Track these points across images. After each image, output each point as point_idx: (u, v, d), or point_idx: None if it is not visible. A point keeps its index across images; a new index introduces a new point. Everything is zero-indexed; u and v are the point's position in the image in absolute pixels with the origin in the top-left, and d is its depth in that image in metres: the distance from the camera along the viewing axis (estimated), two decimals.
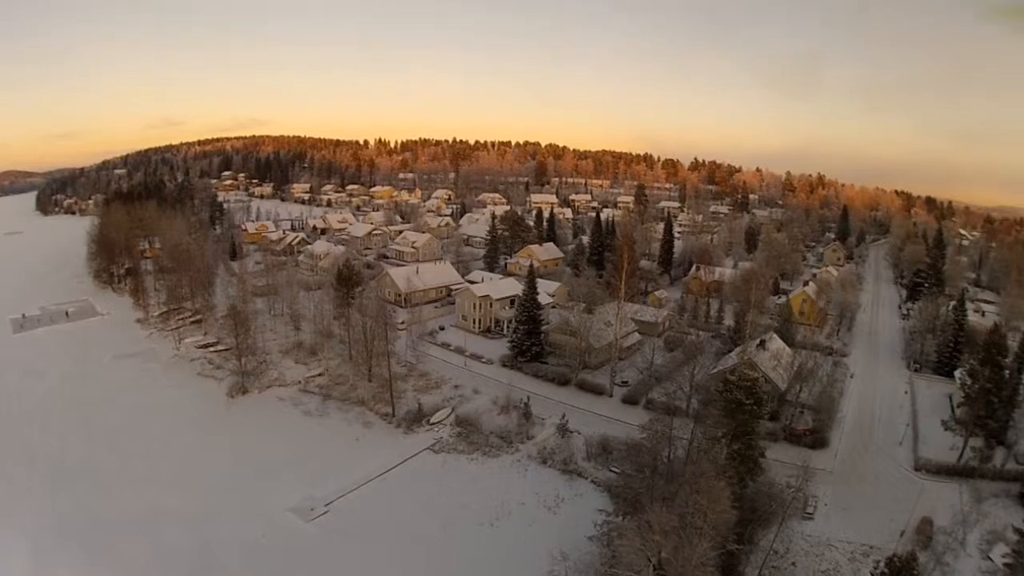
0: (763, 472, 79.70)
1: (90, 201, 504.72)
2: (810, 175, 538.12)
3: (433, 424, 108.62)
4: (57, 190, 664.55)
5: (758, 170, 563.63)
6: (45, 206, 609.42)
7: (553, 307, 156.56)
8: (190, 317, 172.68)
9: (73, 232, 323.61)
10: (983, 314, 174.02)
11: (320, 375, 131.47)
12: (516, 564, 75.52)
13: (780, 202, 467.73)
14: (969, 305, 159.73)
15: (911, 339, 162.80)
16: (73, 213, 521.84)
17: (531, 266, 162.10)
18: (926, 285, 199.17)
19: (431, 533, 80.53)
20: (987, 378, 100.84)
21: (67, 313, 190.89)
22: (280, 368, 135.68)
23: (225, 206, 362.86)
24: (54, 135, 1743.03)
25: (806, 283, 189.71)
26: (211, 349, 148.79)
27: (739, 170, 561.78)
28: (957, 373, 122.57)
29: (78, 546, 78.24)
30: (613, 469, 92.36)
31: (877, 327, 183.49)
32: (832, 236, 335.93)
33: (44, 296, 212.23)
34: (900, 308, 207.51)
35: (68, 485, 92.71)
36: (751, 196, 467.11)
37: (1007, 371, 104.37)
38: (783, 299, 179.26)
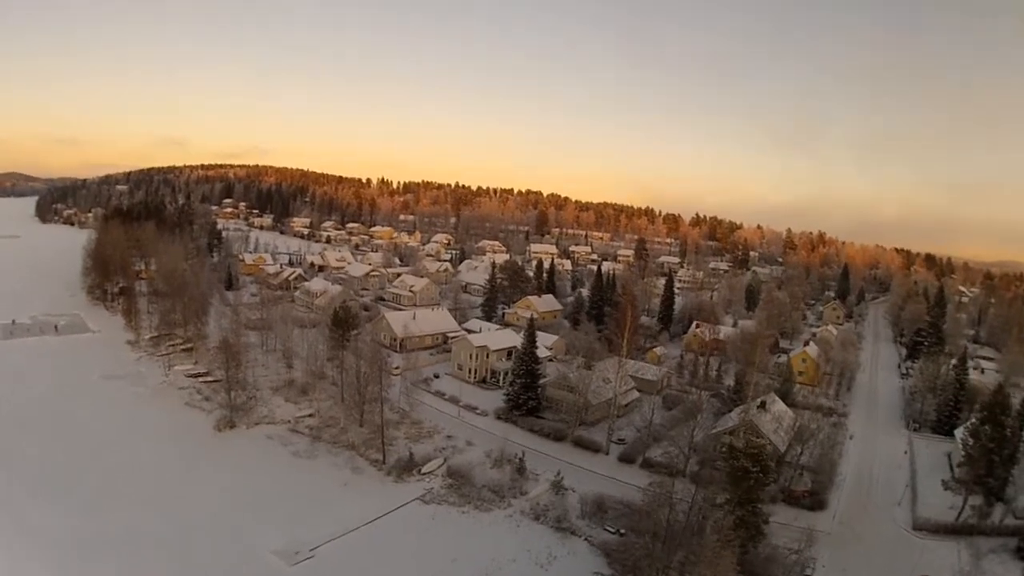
0: (764, 537, 78.84)
1: (90, 214, 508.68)
2: (811, 232, 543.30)
3: (424, 474, 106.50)
4: (58, 199, 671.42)
5: (759, 227, 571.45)
6: (44, 213, 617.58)
7: (551, 360, 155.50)
8: (181, 344, 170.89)
9: (70, 243, 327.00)
10: (982, 371, 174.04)
11: (311, 416, 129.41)
12: None
13: (780, 259, 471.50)
14: (969, 363, 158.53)
15: (911, 399, 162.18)
16: (72, 224, 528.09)
17: (531, 319, 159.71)
18: (926, 344, 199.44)
19: None
20: (989, 437, 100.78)
21: (56, 327, 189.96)
22: (270, 405, 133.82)
23: (224, 234, 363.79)
24: (56, 139, 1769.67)
25: (807, 343, 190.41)
26: (201, 379, 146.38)
27: (740, 227, 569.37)
28: (958, 432, 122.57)
29: (51, 560, 77.33)
30: (608, 529, 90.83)
31: (876, 387, 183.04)
32: (832, 295, 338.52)
33: (35, 306, 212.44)
34: (899, 367, 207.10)
35: (46, 498, 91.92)
36: (752, 253, 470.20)
37: (1008, 429, 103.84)
38: (783, 358, 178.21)
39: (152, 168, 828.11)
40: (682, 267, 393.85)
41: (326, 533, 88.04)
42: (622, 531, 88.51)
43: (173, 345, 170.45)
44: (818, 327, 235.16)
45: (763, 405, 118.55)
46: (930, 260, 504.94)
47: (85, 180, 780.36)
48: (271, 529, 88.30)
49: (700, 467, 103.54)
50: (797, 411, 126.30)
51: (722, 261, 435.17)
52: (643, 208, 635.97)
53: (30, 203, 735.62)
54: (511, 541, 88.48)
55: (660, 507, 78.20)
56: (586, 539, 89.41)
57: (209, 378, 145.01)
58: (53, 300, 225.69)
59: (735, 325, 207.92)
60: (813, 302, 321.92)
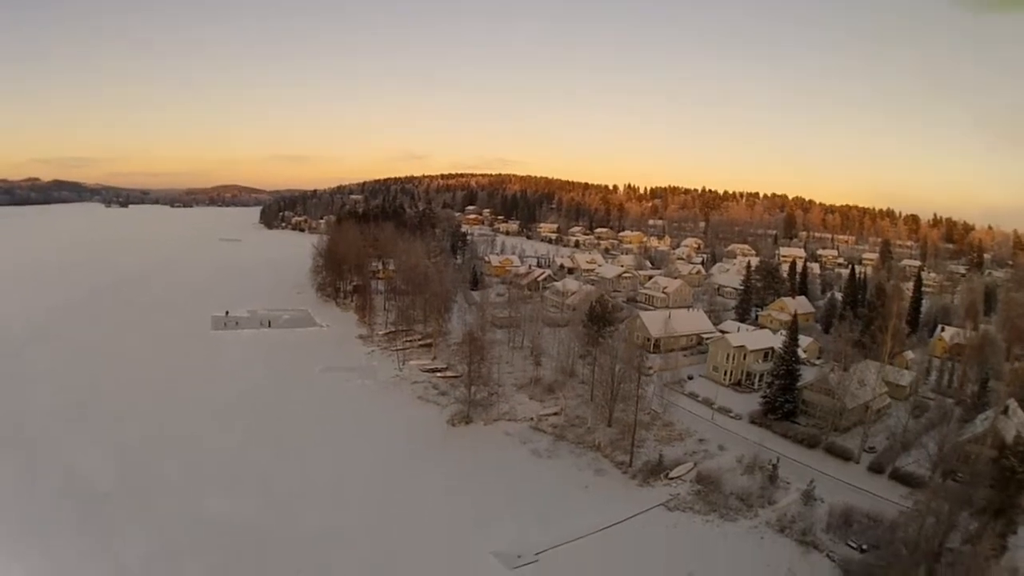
0: (1008, 550, 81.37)
1: (321, 221, 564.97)
2: None
3: (672, 479, 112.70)
4: (285, 207, 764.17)
5: (990, 228, 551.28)
6: (270, 220, 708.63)
7: (804, 364, 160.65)
8: (419, 340, 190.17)
9: (297, 247, 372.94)
10: None
11: (556, 414, 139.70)
12: None
13: (1010, 262, 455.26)
14: None
15: None
16: (302, 230, 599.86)
17: (794, 318, 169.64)
18: None
19: None
20: None
21: (269, 322, 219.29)
22: (512, 402, 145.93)
23: (468, 238, 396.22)
24: (282, 157, 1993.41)
25: None
26: (438, 374, 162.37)
27: (973, 228, 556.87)
28: None
29: (218, 559, 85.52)
30: (851, 544, 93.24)
31: None
32: None
33: (259, 302, 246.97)
34: None
35: (230, 491, 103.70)
36: (985, 255, 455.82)
37: None
38: (1018, 364, 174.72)
39: (388, 179, 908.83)
40: (923, 270, 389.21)
41: (556, 537, 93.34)
42: (864, 547, 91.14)
43: (410, 340, 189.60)
44: None
45: (1006, 411, 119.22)
46: None
47: (315, 190, 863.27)
48: (496, 529, 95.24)
49: (944, 478, 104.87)
50: None
51: (959, 264, 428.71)
52: (884, 210, 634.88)
53: (253, 212, 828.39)
54: (752, 555, 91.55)
55: (926, 526, 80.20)
56: (827, 555, 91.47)
57: (448, 373, 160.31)
58: (280, 297, 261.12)
59: (975, 329, 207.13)
60: None
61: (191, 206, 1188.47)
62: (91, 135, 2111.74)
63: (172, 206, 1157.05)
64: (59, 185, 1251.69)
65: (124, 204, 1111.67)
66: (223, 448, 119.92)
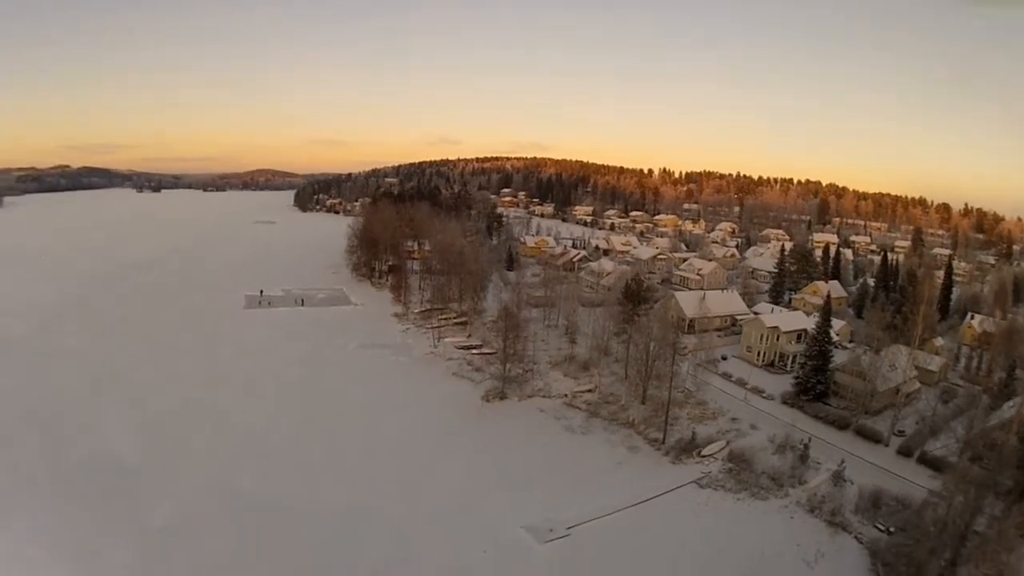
0: None
1: (356, 203, 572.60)
2: None
3: (704, 457, 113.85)
4: (319, 190, 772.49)
5: (1019, 219, 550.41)
6: (304, 202, 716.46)
7: (836, 347, 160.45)
8: (454, 318, 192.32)
9: (332, 229, 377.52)
10: None
11: (590, 391, 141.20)
12: None
13: None
14: None
15: None
16: (336, 212, 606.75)
17: (827, 298, 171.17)
18: None
19: None
20: None
21: (303, 301, 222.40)
22: (547, 379, 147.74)
23: (504, 219, 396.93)
24: (317, 141, 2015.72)
25: None
26: (473, 351, 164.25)
27: (1003, 219, 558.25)
28: None
29: (245, 532, 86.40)
30: (879, 526, 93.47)
31: None
32: None
33: (293, 281, 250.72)
34: None
35: (259, 467, 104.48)
36: (1015, 247, 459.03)
37: None
38: None
39: (423, 162, 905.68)
40: (953, 259, 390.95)
41: (588, 511, 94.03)
42: (891, 529, 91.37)
43: (445, 318, 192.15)
44: None
45: None
46: None
47: (350, 174, 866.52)
48: (528, 504, 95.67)
49: (971, 463, 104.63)
50: None
51: (989, 254, 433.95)
52: (917, 198, 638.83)
53: (287, 195, 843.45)
54: (782, 533, 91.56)
55: (953, 510, 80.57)
56: (856, 536, 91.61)
57: (484, 350, 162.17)
58: (315, 277, 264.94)
59: (1004, 318, 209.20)
60: None
61: (224, 190, 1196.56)
62: (121, 121, 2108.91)
63: (205, 190, 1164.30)
64: (89, 171, 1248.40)
65: (156, 189, 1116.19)
66: (253, 422, 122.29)
